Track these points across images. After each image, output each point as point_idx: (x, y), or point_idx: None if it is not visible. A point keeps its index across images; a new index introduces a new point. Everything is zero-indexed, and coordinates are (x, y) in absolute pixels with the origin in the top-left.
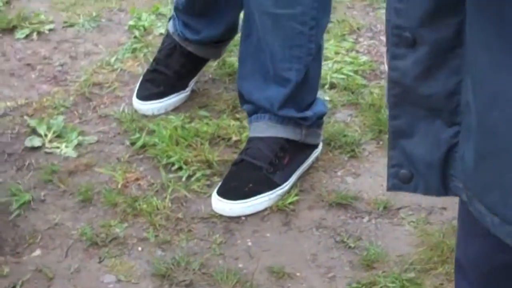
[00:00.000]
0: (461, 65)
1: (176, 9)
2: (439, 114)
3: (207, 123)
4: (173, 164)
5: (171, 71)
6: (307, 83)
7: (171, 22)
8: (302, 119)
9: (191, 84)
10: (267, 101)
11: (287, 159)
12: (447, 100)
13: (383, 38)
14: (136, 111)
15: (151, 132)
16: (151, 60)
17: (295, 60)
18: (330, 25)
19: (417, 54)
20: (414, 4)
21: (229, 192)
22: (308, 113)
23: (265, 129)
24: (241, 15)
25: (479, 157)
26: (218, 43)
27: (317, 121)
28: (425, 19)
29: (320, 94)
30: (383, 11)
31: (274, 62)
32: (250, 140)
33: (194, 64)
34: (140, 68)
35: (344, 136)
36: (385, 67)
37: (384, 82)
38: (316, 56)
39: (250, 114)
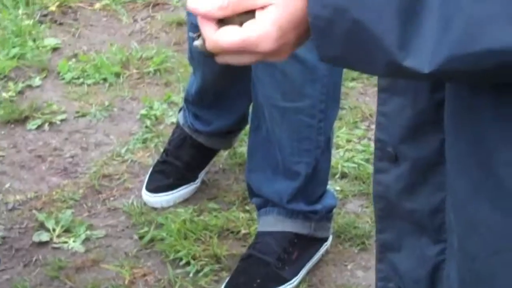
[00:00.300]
0: (444, 183)
1: (186, 100)
2: (424, 230)
3: (216, 216)
4: (181, 259)
5: (181, 162)
6: (316, 176)
7: (181, 114)
8: (312, 213)
9: (201, 175)
10: (276, 194)
11: (296, 254)
12: (431, 217)
13: None
14: (145, 203)
15: (159, 226)
16: (162, 150)
17: (304, 153)
18: (342, 112)
19: (399, 170)
20: (395, 120)
21: None
22: (318, 207)
23: (274, 223)
24: (251, 106)
25: (461, 280)
26: (229, 134)
27: (327, 214)
28: (406, 136)
29: (330, 184)
30: None
31: (283, 155)
32: (259, 234)
33: (205, 155)
34: (150, 159)
35: (355, 227)
36: None
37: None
38: (325, 148)
39: (259, 208)
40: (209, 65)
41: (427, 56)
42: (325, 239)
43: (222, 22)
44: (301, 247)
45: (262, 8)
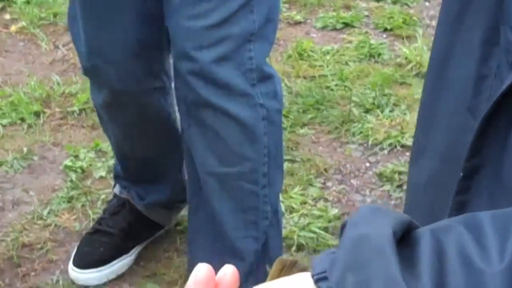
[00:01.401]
0: None
1: (116, 177)
2: None
3: None
4: None
5: (116, 229)
6: (267, 255)
7: (117, 187)
8: None
9: (137, 249)
10: None
11: None
12: None
13: (354, 182)
14: (73, 281)
15: None
16: (89, 212)
17: (250, 226)
18: (294, 165)
19: None
20: None
21: None
22: None
23: None
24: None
25: None
26: (168, 208)
27: None
28: None
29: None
30: (353, 146)
31: (227, 231)
32: None
33: (143, 226)
34: (77, 223)
35: None
36: None
37: None
38: (273, 221)
39: None
40: (117, 122)
41: None
42: None
43: None
44: None
45: None
